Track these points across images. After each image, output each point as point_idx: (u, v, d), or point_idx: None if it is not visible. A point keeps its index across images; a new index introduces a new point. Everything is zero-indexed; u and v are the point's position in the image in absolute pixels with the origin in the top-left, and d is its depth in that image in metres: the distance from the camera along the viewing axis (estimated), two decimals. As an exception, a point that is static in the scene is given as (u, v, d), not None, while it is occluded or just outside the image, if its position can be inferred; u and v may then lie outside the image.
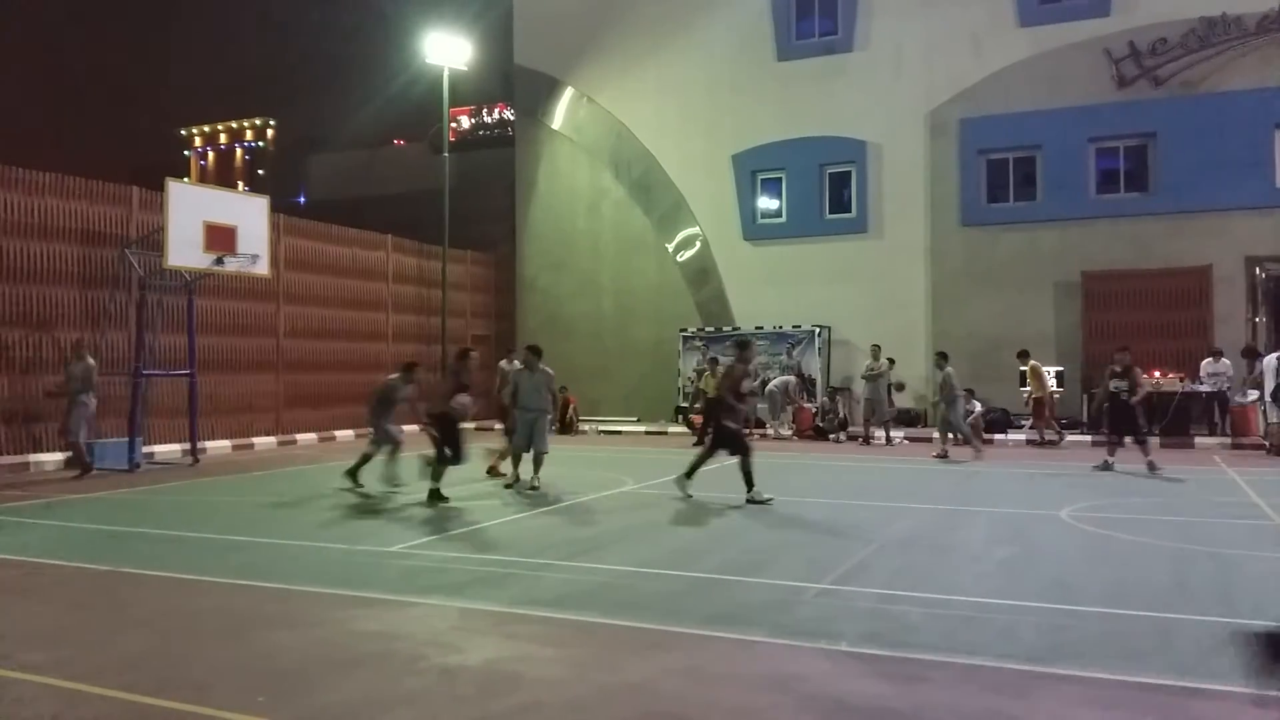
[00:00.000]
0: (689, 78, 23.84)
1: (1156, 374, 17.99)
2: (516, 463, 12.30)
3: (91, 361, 13.99)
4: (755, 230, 23.39)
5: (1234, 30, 19.09)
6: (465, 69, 24.70)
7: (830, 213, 22.84)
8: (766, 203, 23.58)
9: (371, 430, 12.43)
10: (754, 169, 23.35)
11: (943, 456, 15.46)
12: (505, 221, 26.49)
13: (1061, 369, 19.44)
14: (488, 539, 8.70)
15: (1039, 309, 20.40)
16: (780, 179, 23.32)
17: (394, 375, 12.64)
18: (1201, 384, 17.87)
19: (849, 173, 22.58)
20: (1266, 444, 16.06)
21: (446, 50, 23.73)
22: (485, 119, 39.27)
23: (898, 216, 21.93)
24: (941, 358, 16.31)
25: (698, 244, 23.88)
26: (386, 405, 12.21)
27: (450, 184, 24.02)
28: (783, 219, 23.31)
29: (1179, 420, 17.66)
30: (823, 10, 22.98)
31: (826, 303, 21.81)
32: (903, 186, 21.87)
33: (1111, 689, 4.67)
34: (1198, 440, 17.35)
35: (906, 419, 20.31)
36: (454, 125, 26.28)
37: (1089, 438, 17.63)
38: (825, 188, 22.88)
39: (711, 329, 22.93)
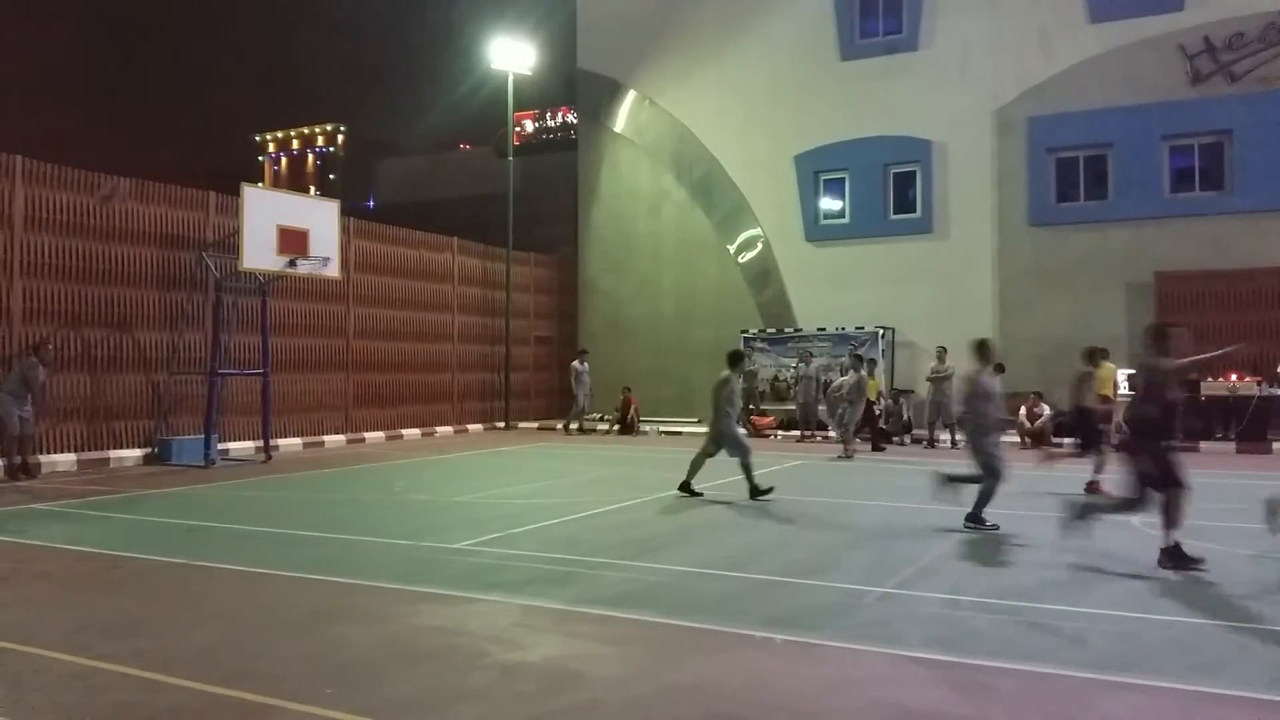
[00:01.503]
0: (751, 78, 23.76)
1: (1234, 377, 17.46)
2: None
3: (34, 360, 13.50)
4: (818, 231, 23.22)
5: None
6: (529, 73, 24.98)
7: (895, 213, 22.57)
8: (829, 203, 23.39)
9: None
10: (817, 169, 23.18)
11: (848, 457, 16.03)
12: (568, 224, 26.71)
13: (1133, 372, 18.90)
14: (549, 538, 8.80)
15: (1110, 311, 19.91)
16: (843, 179, 23.11)
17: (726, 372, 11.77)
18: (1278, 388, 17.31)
19: (914, 172, 22.29)
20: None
21: (511, 55, 24.03)
22: (549, 123, 39.59)
23: (964, 216, 21.59)
24: (859, 360, 16.90)
25: (759, 245, 23.79)
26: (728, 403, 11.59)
27: (514, 187, 24.29)
28: (846, 219, 23.10)
29: (1256, 424, 17.11)
30: (887, 9, 22.72)
31: (890, 304, 21.57)
32: (969, 186, 21.52)
33: (1181, 699, 4.57)
34: (1276, 445, 16.80)
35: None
36: (518, 129, 26.63)
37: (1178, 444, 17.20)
38: (889, 188, 22.62)
39: (773, 330, 22.83)
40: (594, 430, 22.12)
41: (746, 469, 11.21)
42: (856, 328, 21.54)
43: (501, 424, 23.34)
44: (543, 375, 25.73)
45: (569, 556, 7.86)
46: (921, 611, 6.16)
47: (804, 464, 15.30)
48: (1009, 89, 21.10)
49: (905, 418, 19.93)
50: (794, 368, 21.43)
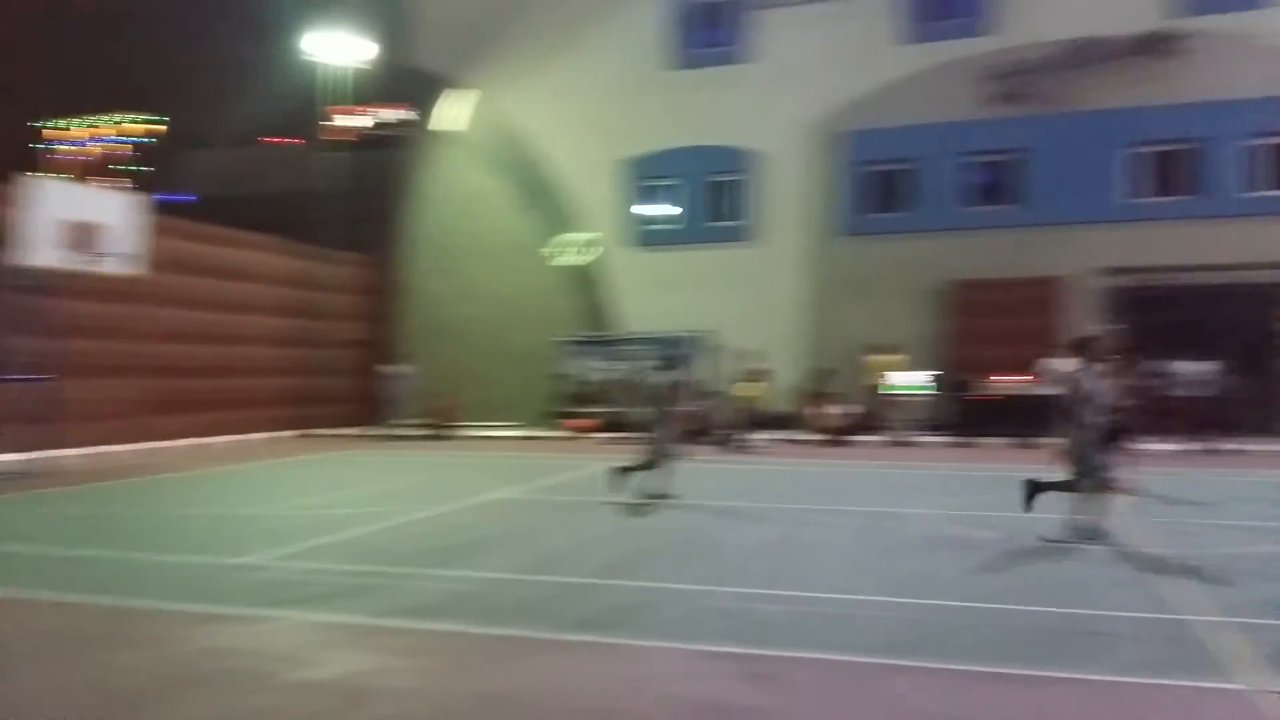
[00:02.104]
0: (585, 84, 23.86)
1: (1009, 377, 18.84)
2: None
3: None
4: (644, 236, 23.58)
5: (1101, 52, 20.20)
6: (360, 67, 24.20)
7: (718, 220, 23.20)
8: (656, 209, 23.78)
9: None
10: (645, 175, 23.55)
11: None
12: (393, 223, 26.01)
13: (939, 372, 20.10)
14: (351, 549, 8.51)
15: (911, 316, 21.12)
16: (670, 186, 23.58)
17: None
18: (1044, 384, 18.68)
19: (737, 181, 22.99)
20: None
21: (340, 48, 23.25)
22: (378, 118, 38.55)
23: (783, 225, 22.43)
24: (671, 362, 16.63)
25: (587, 249, 23.90)
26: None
27: (339, 184, 23.46)
28: (672, 226, 23.57)
29: (1026, 422, 18.44)
30: (717, 22, 23.36)
31: (712, 309, 22.08)
32: (788, 196, 22.38)
33: (961, 679, 4.88)
34: (1039, 441, 18.04)
35: (778, 421, 20.55)
36: (346, 124, 25.70)
37: (949, 439, 18.56)
38: (713, 196, 23.25)
39: (596, 334, 22.98)
40: (410, 436, 21.57)
41: (642, 468, 11.16)
42: (678, 332, 21.89)
43: (315, 431, 22.47)
44: (358, 380, 24.85)
45: (371, 568, 7.64)
46: (721, 606, 6.33)
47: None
48: (827, 104, 22.07)
49: (727, 419, 20.37)
50: (617, 371, 21.63)
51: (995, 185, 21.40)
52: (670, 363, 16.83)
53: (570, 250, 24.07)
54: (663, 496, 11.03)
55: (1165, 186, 20.07)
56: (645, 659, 5.28)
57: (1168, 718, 4.44)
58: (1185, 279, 19.48)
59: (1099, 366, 9.10)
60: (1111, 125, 19.95)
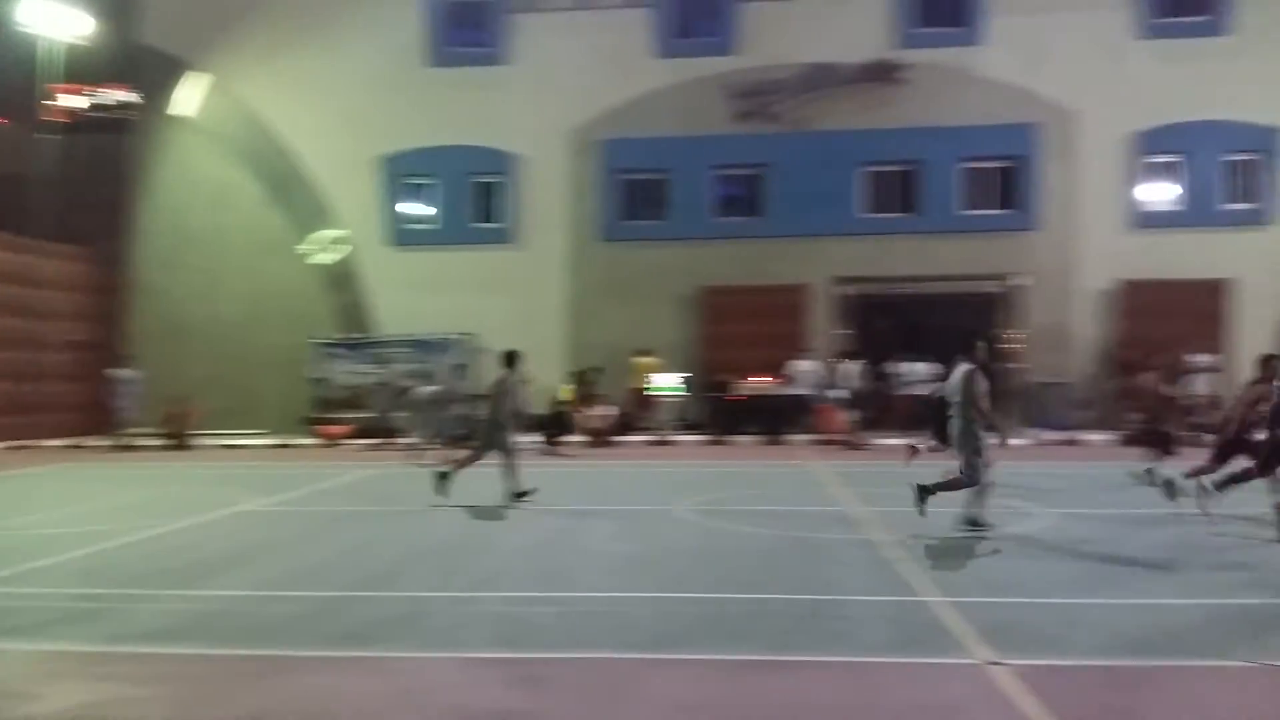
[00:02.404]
0: (337, 74, 22.82)
1: (761, 379, 19.97)
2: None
3: None
4: (402, 236, 22.93)
5: (834, 77, 21.74)
6: (82, 42, 21.97)
7: (478, 222, 22.95)
8: (414, 209, 23.20)
9: None
10: (402, 173, 22.90)
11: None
12: (120, 214, 23.77)
13: (691, 374, 20.90)
14: (77, 570, 7.72)
15: (669, 320, 21.85)
16: (429, 185, 23.07)
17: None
18: (793, 385, 20.02)
19: (497, 183, 22.84)
20: (847, 440, 18.22)
21: (61, 20, 20.98)
22: (96, 99, 35.24)
23: (542, 229, 22.52)
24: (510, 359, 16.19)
25: (340, 247, 22.94)
26: None
27: (56, 170, 21.16)
28: (430, 226, 23.07)
29: (776, 420, 19.68)
30: (476, 22, 23.05)
31: (472, 311, 21.78)
32: (547, 200, 22.49)
33: (719, 669, 5.08)
34: (790, 437, 19.35)
35: (545, 423, 20.71)
36: (65, 104, 23.19)
37: (701, 437, 19.46)
38: (475, 197, 22.98)
39: (352, 336, 22.13)
40: (146, 446, 19.81)
41: (511, 469, 10.96)
42: (439, 334, 21.48)
43: (36, 442, 20.14)
44: (84, 386, 22.53)
45: (100, 590, 6.95)
46: (489, 611, 6.27)
47: (381, 473, 14.91)
48: (586, 111, 22.35)
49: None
50: (375, 374, 20.95)
51: (742, 198, 22.52)
52: (436, 367, 16.41)
53: (323, 248, 23.02)
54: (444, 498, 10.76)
55: (894, 203, 21.92)
56: (415, 671, 5.14)
57: (910, 692, 4.82)
58: (913, 288, 21.37)
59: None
60: (845, 146, 21.52)
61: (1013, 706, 4.46)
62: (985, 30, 21.44)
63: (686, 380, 20.67)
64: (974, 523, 8.85)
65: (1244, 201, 20.99)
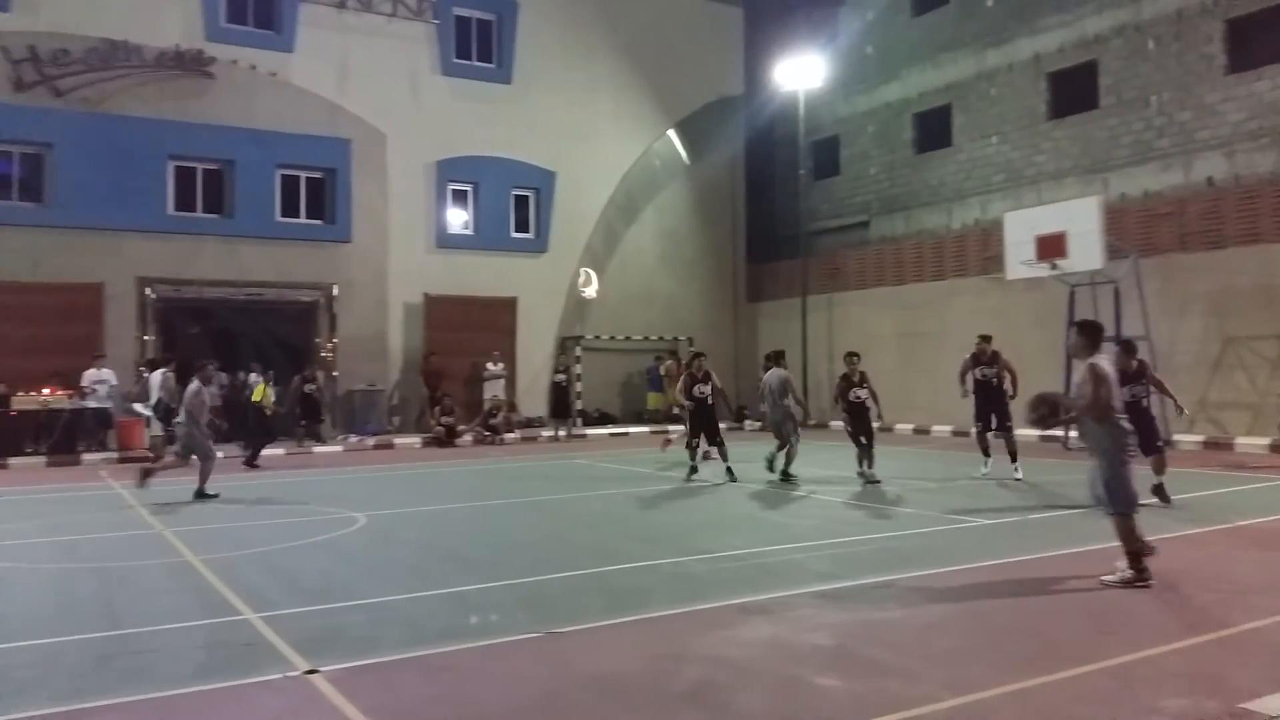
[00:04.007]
0: None
1: (46, 391, 17.43)
2: None
3: None
4: None
5: (135, 59, 19.67)
6: None
7: None
8: None
9: None
10: None
11: None
12: None
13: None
14: None
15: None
16: None
17: None
18: (88, 397, 17.86)
19: None
20: (151, 455, 16.72)
21: None
22: None
23: None
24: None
25: None
26: None
27: None
28: None
29: (68, 438, 17.34)
30: None
31: None
32: None
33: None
34: (85, 456, 17.23)
35: None
36: None
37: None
38: None
39: None
40: None
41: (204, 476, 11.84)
42: None
43: None
44: None
45: None
46: None
47: None
48: None
49: None
50: None
51: (17, 179, 19.25)
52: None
53: None
54: None
55: (206, 204, 20.67)
56: None
57: (220, 718, 4.55)
58: (226, 293, 20.42)
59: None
60: (151, 135, 19.61)
61: (333, 712, 4.50)
62: (296, 38, 21.38)
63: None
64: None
65: (527, 231, 24.20)
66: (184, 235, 20.08)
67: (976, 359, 13.12)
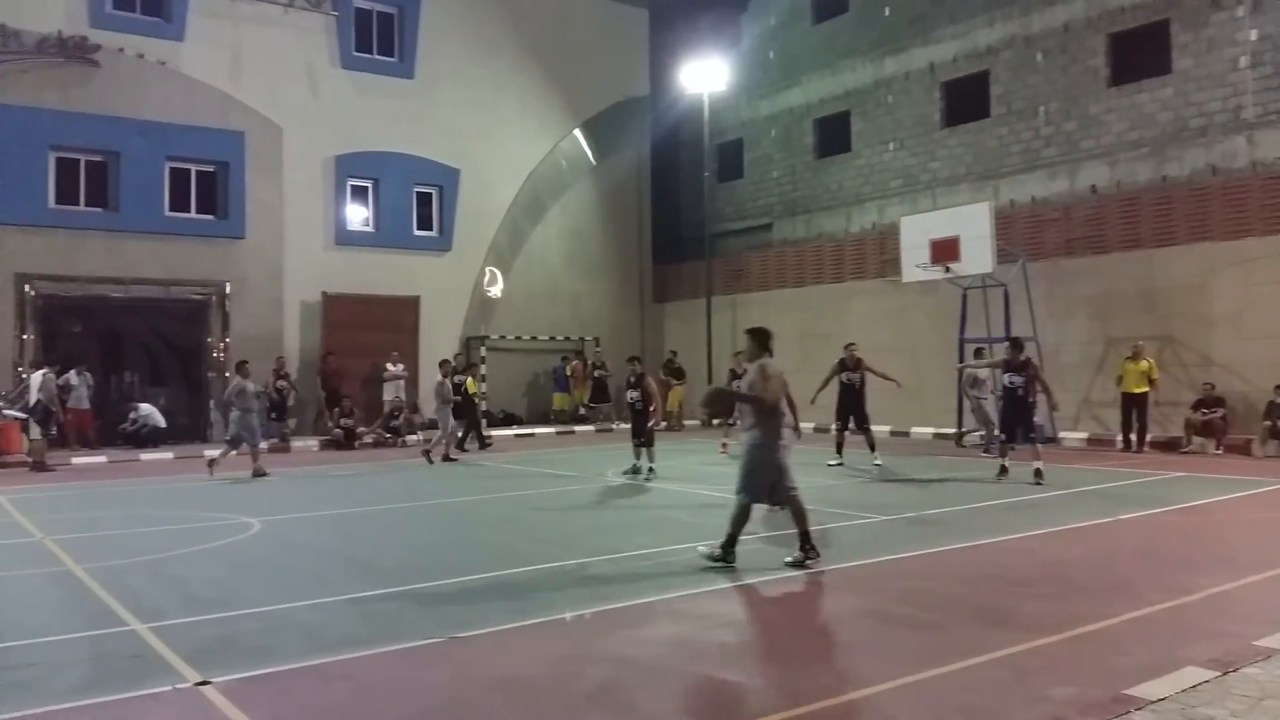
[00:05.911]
0: None
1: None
2: None
3: None
4: None
5: (14, 44, 18.67)
6: None
7: None
8: None
9: None
10: None
11: None
12: None
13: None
14: None
15: None
16: None
17: None
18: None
19: None
20: (30, 460, 16.03)
21: None
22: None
23: None
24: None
25: None
26: None
27: None
28: None
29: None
30: None
31: None
32: None
33: None
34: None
35: None
36: None
37: None
38: None
39: None
40: None
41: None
42: None
43: None
44: None
45: None
46: None
47: None
48: None
49: None
50: None
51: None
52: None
53: None
54: None
55: (90, 197, 19.74)
56: None
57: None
58: (115, 291, 19.55)
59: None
60: (30, 124, 18.66)
61: (226, 724, 4.36)
62: (186, 26, 20.58)
63: None
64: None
65: (430, 229, 23.83)
66: (66, 230, 19.14)
67: (843, 364, 14.72)
